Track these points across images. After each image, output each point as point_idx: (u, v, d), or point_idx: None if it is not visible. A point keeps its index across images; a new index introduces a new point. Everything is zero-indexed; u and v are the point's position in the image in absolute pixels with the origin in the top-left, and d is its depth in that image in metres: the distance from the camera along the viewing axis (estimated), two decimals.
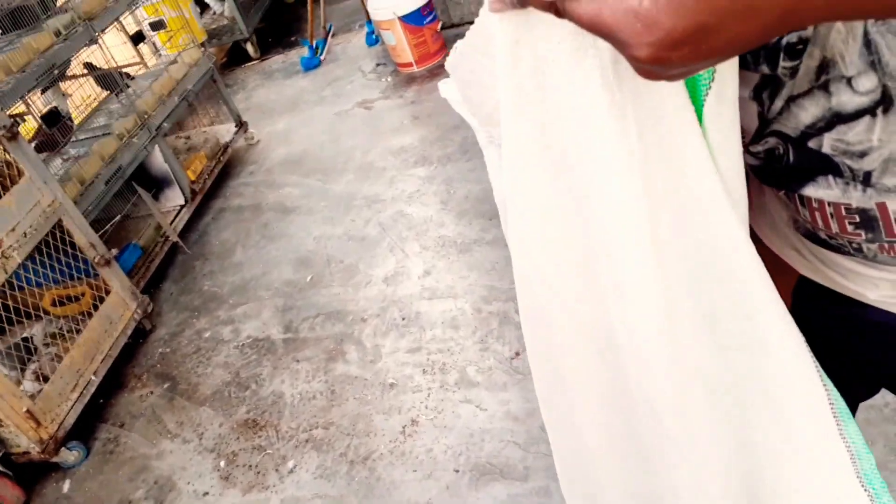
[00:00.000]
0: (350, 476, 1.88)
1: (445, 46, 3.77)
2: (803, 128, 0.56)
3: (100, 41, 2.79)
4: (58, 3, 2.84)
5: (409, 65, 3.71)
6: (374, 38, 4.18)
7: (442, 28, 3.79)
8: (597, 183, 0.54)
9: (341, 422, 2.04)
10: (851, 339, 0.75)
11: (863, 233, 0.60)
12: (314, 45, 4.25)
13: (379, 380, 2.13)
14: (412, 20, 3.56)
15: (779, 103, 0.56)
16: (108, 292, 2.43)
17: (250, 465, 2.01)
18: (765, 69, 0.54)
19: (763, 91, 0.56)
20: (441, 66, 3.69)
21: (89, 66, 2.96)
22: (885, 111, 0.51)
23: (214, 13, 4.83)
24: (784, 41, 0.52)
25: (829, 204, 0.60)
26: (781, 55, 0.53)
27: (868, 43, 0.49)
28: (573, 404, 0.74)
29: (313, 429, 2.05)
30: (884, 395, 1.65)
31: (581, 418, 0.74)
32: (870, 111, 0.52)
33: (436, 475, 1.81)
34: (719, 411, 0.63)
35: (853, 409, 1.00)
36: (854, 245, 0.63)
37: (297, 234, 2.91)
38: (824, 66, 0.52)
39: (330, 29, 4.47)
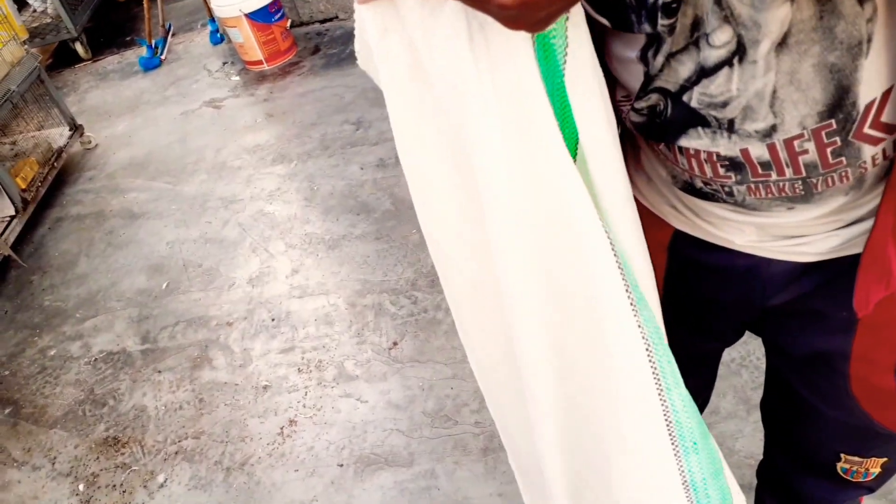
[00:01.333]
0: (227, 483, 1.79)
1: (296, 44, 3.69)
2: (682, 82, 0.60)
3: None
4: None
5: (259, 63, 3.61)
6: (218, 37, 4.01)
7: (291, 26, 3.71)
8: (469, 151, 0.57)
9: (213, 430, 1.94)
10: (721, 285, 0.82)
11: (733, 175, 0.65)
12: (153, 45, 4.01)
13: (251, 383, 2.05)
14: (259, 17, 3.46)
15: (660, 59, 0.60)
16: None
17: (114, 485, 1.86)
18: (647, 28, 0.58)
19: (648, 50, 0.60)
20: (293, 63, 3.62)
21: None
22: (741, 60, 0.55)
23: (35, 11, 4.44)
24: (661, 0, 0.56)
25: (702, 152, 0.65)
26: (659, 14, 0.56)
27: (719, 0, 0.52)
28: (476, 351, 0.76)
29: (182, 440, 1.94)
30: (729, 352, 1.81)
31: (484, 361, 0.76)
32: (727, 62, 0.56)
33: (319, 472, 1.77)
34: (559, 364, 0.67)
35: (720, 353, 1.09)
36: (726, 189, 0.68)
37: (147, 240, 2.73)
38: (696, 24, 0.55)
39: (169, 28, 4.24)
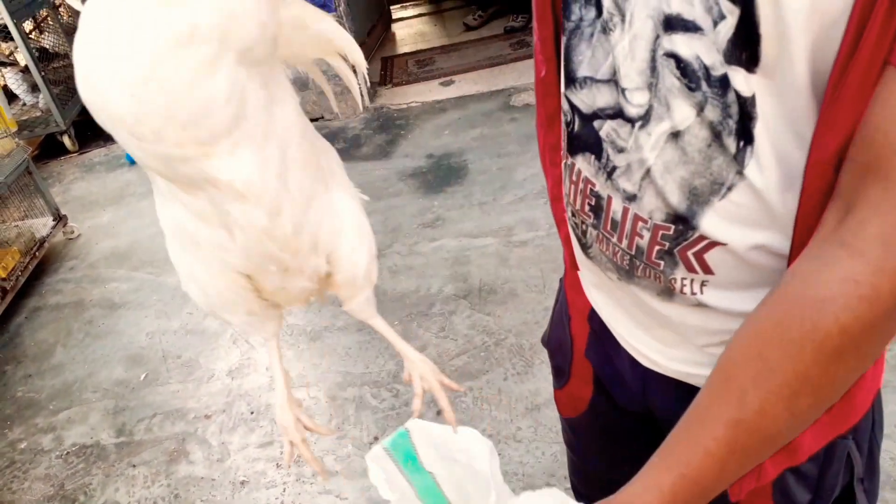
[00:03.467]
0: None
1: None
2: (596, 109, 0.64)
3: None
4: None
5: None
6: None
7: None
8: None
9: None
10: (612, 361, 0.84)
11: (593, 215, 0.69)
12: None
13: (228, 478, 2.01)
14: None
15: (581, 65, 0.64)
16: None
17: None
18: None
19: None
20: None
21: None
22: (642, 126, 0.60)
23: (25, 104, 4.55)
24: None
25: (583, 179, 0.68)
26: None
27: (654, 68, 0.56)
28: None
29: None
30: None
31: None
32: (635, 120, 0.60)
33: None
34: None
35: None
36: (583, 227, 0.72)
37: (126, 330, 2.72)
38: (615, 69, 0.60)
39: None
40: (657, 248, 0.63)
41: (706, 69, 0.53)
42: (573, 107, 0.67)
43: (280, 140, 0.61)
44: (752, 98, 0.52)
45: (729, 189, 0.57)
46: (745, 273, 0.61)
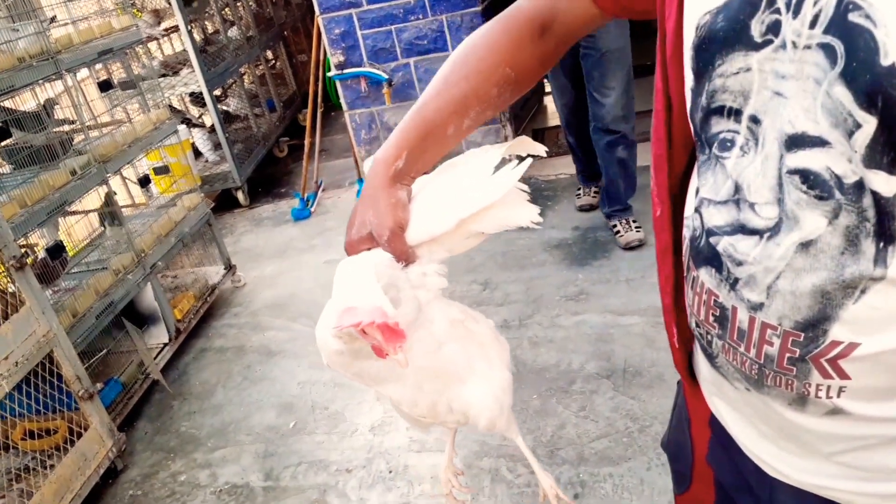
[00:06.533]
0: None
1: None
2: (712, 226, 0.66)
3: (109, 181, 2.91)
4: (74, 145, 2.97)
5: None
6: None
7: None
8: None
9: None
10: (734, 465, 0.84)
11: (717, 326, 0.68)
12: (305, 198, 4.44)
13: None
14: None
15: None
16: (86, 428, 2.36)
17: None
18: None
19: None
20: None
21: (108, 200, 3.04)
22: (770, 238, 0.60)
23: (207, 161, 5.05)
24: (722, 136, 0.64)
25: (706, 291, 0.68)
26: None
27: (780, 185, 0.58)
28: None
29: None
30: None
31: None
32: (762, 233, 0.61)
33: None
34: None
35: None
36: (709, 337, 0.71)
37: (280, 377, 2.90)
38: (737, 188, 0.62)
39: (321, 184, 4.69)
40: (788, 355, 0.62)
41: (838, 178, 0.54)
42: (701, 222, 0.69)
43: (426, 347, 0.86)
44: (893, 198, 0.52)
45: (863, 292, 0.56)
46: (884, 377, 0.59)
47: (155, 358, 2.96)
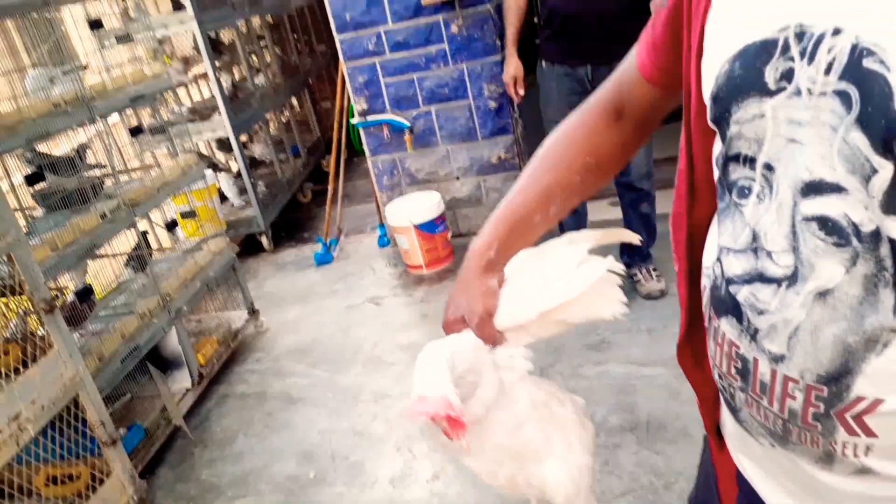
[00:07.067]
0: None
1: (454, 253, 4.00)
2: (731, 275, 0.66)
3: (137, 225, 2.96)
4: (104, 189, 3.04)
5: (419, 267, 3.92)
6: (385, 240, 4.42)
7: (452, 237, 4.05)
8: None
9: None
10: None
11: (739, 378, 0.67)
12: (328, 243, 4.48)
13: None
14: (426, 228, 3.82)
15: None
16: (108, 474, 2.36)
17: None
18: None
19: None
20: (448, 269, 3.90)
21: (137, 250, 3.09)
22: (789, 286, 0.60)
23: (232, 205, 5.13)
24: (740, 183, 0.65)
25: (727, 342, 0.68)
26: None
27: (794, 232, 0.58)
28: None
29: None
30: None
31: None
32: (780, 281, 0.60)
33: None
34: None
35: None
36: (731, 390, 0.70)
37: (301, 425, 2.89)
38: (755, 236, 0.63)
39: (343, 229, 4.74)
40: (812, 409, 0.61)
41: (855, 226, 0.54)
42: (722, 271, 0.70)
43: (506, 426, 0.93)
44: None
45: (885, 345, 0.55)
46: None
47: (177, 403, 2.97)
